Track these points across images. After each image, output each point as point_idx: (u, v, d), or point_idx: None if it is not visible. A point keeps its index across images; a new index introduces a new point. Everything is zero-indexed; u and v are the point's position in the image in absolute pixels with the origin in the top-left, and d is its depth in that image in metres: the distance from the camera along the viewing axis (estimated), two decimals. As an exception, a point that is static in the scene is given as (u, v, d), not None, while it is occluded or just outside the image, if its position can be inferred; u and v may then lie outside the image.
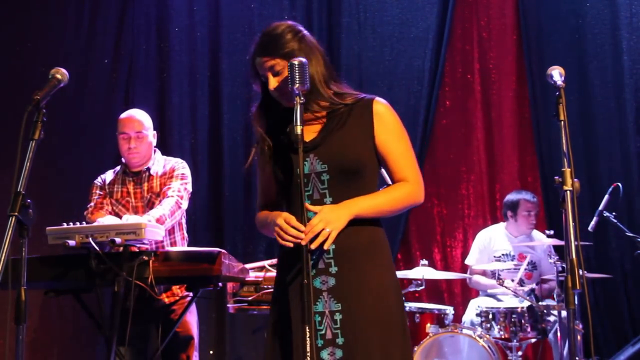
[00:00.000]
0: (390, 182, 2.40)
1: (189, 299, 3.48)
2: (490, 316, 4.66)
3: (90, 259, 2.93)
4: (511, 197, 5.30)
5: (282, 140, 2.32)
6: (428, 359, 4.50)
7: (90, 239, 2.90)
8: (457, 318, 4.99)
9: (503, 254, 5.24)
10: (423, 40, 5.78)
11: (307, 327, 2.05)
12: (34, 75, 5.17)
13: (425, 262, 4.75)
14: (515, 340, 4.58)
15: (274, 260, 3.83)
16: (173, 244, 3.67)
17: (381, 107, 2.33)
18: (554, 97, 2.44)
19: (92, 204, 3.69)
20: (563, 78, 2.48)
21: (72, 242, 2.92)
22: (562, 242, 2.92)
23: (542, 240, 4.89)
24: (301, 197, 2.15)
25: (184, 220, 3.76)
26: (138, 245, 3.09)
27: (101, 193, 3.72)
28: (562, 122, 2.39)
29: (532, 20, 5.76)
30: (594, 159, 5.57)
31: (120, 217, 3.41)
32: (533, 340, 4.79)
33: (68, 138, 5.50)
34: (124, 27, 5.84)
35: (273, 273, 3.72)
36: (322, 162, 2.26)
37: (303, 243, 2.13)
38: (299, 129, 2.13)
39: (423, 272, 4.64)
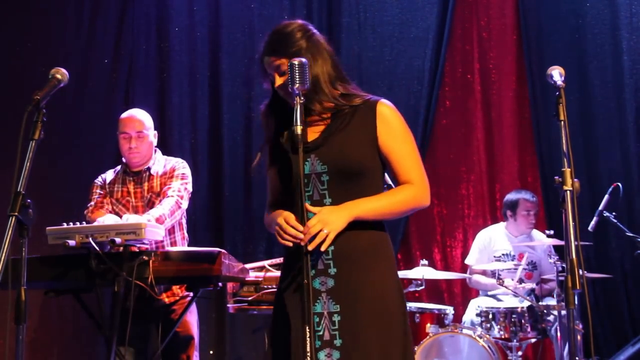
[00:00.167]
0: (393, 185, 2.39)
1: (189, 299, 3.48)
2: (490, 316, 4.66)
3: (90, 259, 2.93)
4: (511, 196, 5.31)
5: (287, 139, 2.32)
6: (428, 359, 4.50)
7: (90, 239, 2.90)
8: (457, 318, 4.99)
9: (503, 253, 5.24)
10: (423, 40, 5.78)
11: (307, 328, 2.04)
12: (34, 75, 5.16)
13: (425, 262, 4.75)
14: (515, 340, 4.59)
15: (274, 260, 3.84)
16: (173, 243, 3.67)
17: (385, 108, 2.30)
18: (554, 97, 2.44)
19: (92, 203, 3.69)
20: (563, 78, 2.48)
21: (72, 242, 2.92)
22: (562, 242, 2.92)
23: (542, 240, 4.89)
24: (301, 197, 2.14)
25: (184, 220, 3.76)
26: (138, 245, 3.09)
27: (101, 192, 3.72)
28: (562, 122, 2.39)
29: (532, 20, 5.76)
30: (594, 159, 5.57)
31: (121, 217, 3.41)
32: (533, 340, 4.80)
33: (68, 138, 5.49)
34: (124, 27, 5.84)
35: (273, 273, 3.73)
36: (322, 162, 2.25)
37: (302, 243, 2.13)
38: (298, 129, 2.13)
39: (423, 272, 4.64)
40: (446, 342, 4.55)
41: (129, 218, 3.32)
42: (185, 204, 3.64)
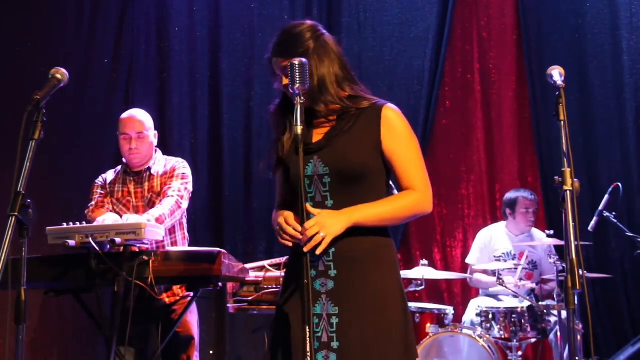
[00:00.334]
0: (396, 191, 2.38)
1: (189, 299, 3.48)
2: (490, 316, 4.66)
3: (90, 259, 2.93)
4: (510, 194, 5.31)
5: (292, 140, 2.31)
6: (428, 359, 4.50)
7: (90, 238, 2.90)
8: (457, 318, 4.99)
9: (504, 252, 5.24)
10: (423, 40, 5.78)
11: (307, 328, 2.04)
12: (34, 75, 5.16)
13: (425, 262, 4.75)
14: (515, 340, 4.59)
15: (274, 260, 3.84)
16: (174, 243, 3.67)
17: (391, 112, 2.29)
18: (554, 97, 2.44)
19: (93, 203, 3.69)
20: (563, 78, 2.48)
21: (72, 242, 2.92)
22: (562, 242, 2.92)
23: (542, 240, 4.89)
24: (301, 198, 2.13)
25: (185, 220, 3.76)
26: (138, 245, 3.09)
27: (102, 192, 3.72)
28: (562, 122, 2.38)
29: (532, 20, 5.76)
30: (594, 159, 5.57)
31: (121, 217, 3.41)
32: (533, 340, 4.80)
33: (68, 138, 5.49)
34: (124, 27, 5.84)
35: (273, 273, 3.73)
36: (325, 164, 2.25)
37: (302, 244, 2.13)
38: (299, 129, 2.12)
39: (423, 272, 4.64)
40: (446, 342, 4.55)
41: (129, 218, 3.32)
42: (185, 204, 3.64)
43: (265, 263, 3.82)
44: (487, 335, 4.56)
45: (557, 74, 2.49)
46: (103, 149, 5.46)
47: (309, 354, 2.03)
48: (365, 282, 2.21)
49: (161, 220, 3.41)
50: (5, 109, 5.04)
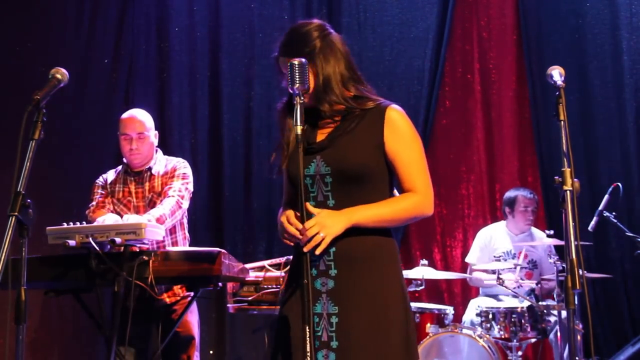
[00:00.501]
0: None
1: (189, 299, 3.48)
2: (490, 316, 4.66)
3: (90, 259, 2.93)
4: (509, 193, 5.32)
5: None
6: (428, 359, 4.50)
7: (90, 238, 2.90)
8: (457, 318, 4.99)
9: (504, 252, 5.24)
10: (423, 40, 5.78)
11: (307, 327, 2.04)
12: (34, 75, 5.16)
13: (425, 262, 4.75)
14: (515, 340, 4.59)
15: (274, 260, 3.84)
16: (174, 243, 3.67)
17: (394, 113, 2.28)
18: (554, 97, 2.43)
19: (94, 203, 3.69)
20: (563, 78, 2.48)
21: (72, 242, 2.92)
22: (562, 242, 2.92)
23: (542, 240, 4.89)
24: (300, 197, 2.12)
25: (185, 220, 3.76)
26: (138, 245, 3.09)
27: (103, 192, 3.72)
28: (562, 122, 2.38)
29: (532, 20, 5.76)
30: (594, 159, 5.57)
31: (122, 217, 3.41)
32: (533, 340, 4.80)
33: (68, 138, 5.49)
34: (124, 27, 5.84)
35: (273, 273, 3.73)
36: (327, 164, 2.25)
37: (302, 243, 2.14)
38: (299, 129, 2.12)
39: (423, 272, 4.64)
40: (446, 342, 4.55)
41: (129, 218, 3.32)
42: (186, 204, 3.64)
43: (265, 263, 3.82)
44: (487, 335, 4.56)
45: (557, 74, 2.49)
46: (103, 149, 5.46)
47: (308, 353, 2.03)
48: (366, 282, 2.21)
49: (162, 220, 3.41)
50: (5, 109, 5.04)
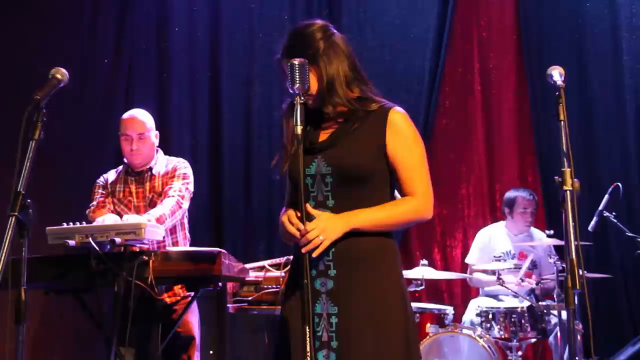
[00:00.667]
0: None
1: (190, 299, 3.48)
2: (490, 316, 4.66)
3: (90, 259, 2.93)
4: (509, 194, 5.32)
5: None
6: (428, 359, 4.50)
7: (90, 239, 2.90)
8: (457, 318, 4.98)
9: (503, 252, 5.24)
10: (423, 40, 5.78)
11: (307, 328, 2.04)
12: (34, 75, 5.15)
13: (425, 262, 4.75)
14: (515, 340, 4.59)
15: (274, 260, 3.84)
16: (175, 243, 3.67)
17: (397, 116, 2.28)
18: (554, 97, 2.43)
19: (94, 203, 3.69)
20: (563, 78, 2.48)
21: (72, 242, 2.92)
22: (562, 242, 2.92)
23: (542, 240, 4.89)
24: (300, 197, 2.13)
25: (186, 220, 3.76)
26: (138, 245, 3.09)
27: (103, 192, 3.72)
28: (562, 122, 2.38)
29: (532, 20, 5.76)
30: (594, 159, 5.57)
31: (122, 217, 3.41)
32: (533, 340, 4.80)
33: (68, 138, 5.49)
34: (124, 27, 5.83)
35: (273, 273, 3.73)
36: (327, 164, 2.25)
37: (300, 244, 2.14)
38: (298, 129, 2.12)
39: (423, 272, 4.64)
40: (446, 342, 4.55)
41: (129, 218, 3.32)
42: (186, 204, 3.64)
43: (265, 263, 3.82)
44: (487, 335, 4.56)
45: (557, 74, 2.49)
46: (103, 149, 5.46)
47: (308, 354, 2.03)
48: (365, 283, 2.21)
49: (162, 220, 3.41)
50: (5, 109, 5.04)
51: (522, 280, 4.78)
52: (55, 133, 4.65)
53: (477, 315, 4.74)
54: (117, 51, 5.81)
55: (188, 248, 3.65)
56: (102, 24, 5.82)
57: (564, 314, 4.24)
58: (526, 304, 4.64)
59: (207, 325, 5.40)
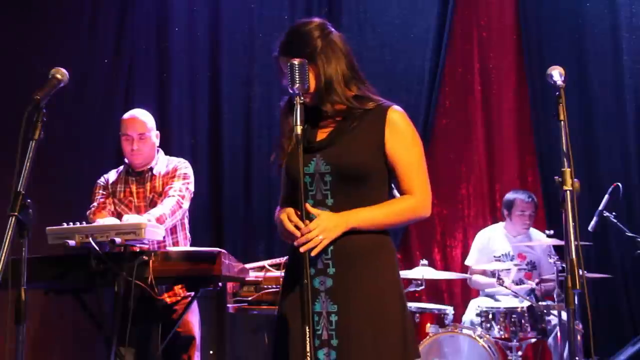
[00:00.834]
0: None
1: (190, 299, 3.48)
2: (490, 316, 4.66)
3: (90, 259, 2.93)
4: (509, 195, 5.31)
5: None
6: (428, 359, 4.50)
7: (90, 239, 2.90)
8: (457, 318, 4.98)
9: (502, 254, 5.24)
10: (423, 40, 5.78)
11: (306, 328, 2.05)
12: (34, 75, 5.15)
13: (425, 262, 4.75)
14: (515, 340, 4.59)
15: (274, 260, 3.84)
16: (175, 243, 3.67)
17: (396, 115, 2.29)
18: (554, 97, 2.43)
19: (95, 204, 3.69)
20: (563, 78, 2.48)
21: (72, 242, 2.92)
22: (562, 242, 2.92)
23: (542, 240, 4.89)
24: (300, 197, 2.14)
25: (186, 220, 3.76)
26: (138, 245, 3.09)
27: (104, 193, 3.72)
28: (562, 122, 2.38)
29: (532, 20, 5.76)
30: (594, 159, 5.57)
31: (121, 218, 3.41)
32: (533, 340, 4.80)
33: (68, 138, 5.49)
34: (124, 27, 5.83)
35: (273, 273, 3.73)
36: (327, 163, 2.25)
37: (296, 244, 2.14)
38: (299, 129, 2.12)
39: (423, 272, 4.64)
40: (446, 342, 4.55)
41: (129, 218, 3.32)
42: (186, 204, 3.64)
43: (265, 263, 3.82)
44: (487, 335, 4.56)
45: (557, 74, 2.49)
46: (103, 149, 5.46)
47: (308, 354, 2.03)
48: (364, 280, 2.22)
49: (162, 220, 3.41)
50: (5, 109, 5.04)
51: (521, 282, 4.78)
52: (55, 133, 4.67)
53: (477, 315, 4.74)
54: (117, 51, 5.81)
55: (188, 248, 3.65)
56: (102, 24, 5.82)
57: (564, 314, 4.24)
58: (526, 304, 4.64)
59: (207, 325, 5.40)
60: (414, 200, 2.28)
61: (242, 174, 5.80)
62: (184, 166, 3.74)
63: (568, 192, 2.31)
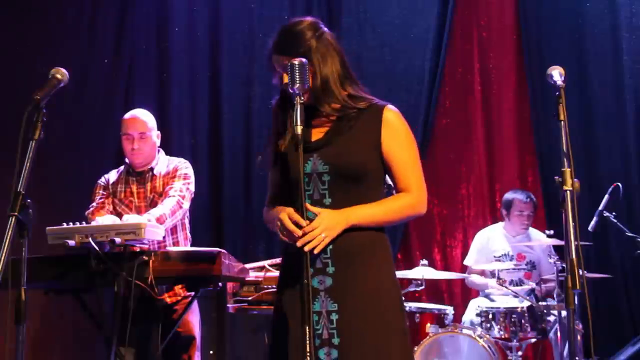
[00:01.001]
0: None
1: (190, 298, 3.48)
2: (490, 316, 4.66)
3: (90, 259, 2.93)
4: (508, 195, 5.31)
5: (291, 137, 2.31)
6: (428, 359, 4.50)
7: (90, 239, 2.90)
8: (457, 318, 4.98)
9: (502, 254, 5.24)
10: (423, 40, 5.78)
11: (306, 328, 2.04)
12: (34, 75, 5.15)
13: (425, 262, 4.75)
14: (515, 340, 4.59)
15: (274, 260, 3.84)
16: (176, 243, 3.67)
17: (391, 114, 2.31)
18: (554, 97, 2.44)
19: (94, 204, 3.69)
20: (563, 78, 2.48)
21: (72, 242, 2.92)
22: (562, 242, 2.92)
23: (541, 240, 4.89)
24: (300, 197, 2.14)
25: (187, 220, 3.76)
26: (138, 245, 3.09)
27: (104, 193, 3.72)
28: (562, 122, 2.38)
29: (532, 20, 5.76)
30: (594, 159, 5.57)
31: (121, 217, 3.41)
32: (533, 340, 4.80)
33: (68, 138, 5.49)
34: (124, 27, 5.83)
35: (273, 273, 3.72)
36: (324, 163, 2.26)
37: (299, 244, 2.14)
38: (298, 129, 2.12)
39: (423, 272, 4.64)
40: (446, 342, 4.55)
41: (129, 218, 3.32)
42: (186, 204, 3.64)
43: (265, 263, 3.82)
44: (487, 335, 4.56)
45: (557, 74, 2.49)
46: (103, 149, 5.46)
47: (308, 354, 2.03)
48: (363, 278, 2.24)
49: (162, 220, 3.41)
50: (5, 109, 5.04)
51: (521, 283, 4.78)
52: (55, 133, 4.68)
53: (477, 315, 4.74)
54: (117, 51, 5.81)
55: (188, 248, 3.65)
56: (102, 24, 5.82)
57: (564, 314, 4.24)
58: (526, 304, 4.64)
59: (207, 325, 5.40)
60: (411, 197, 2.30)
61: (242, 174, 5.80)
62: (184, 166, 3.74)
63: (568, 192, 2.31)
